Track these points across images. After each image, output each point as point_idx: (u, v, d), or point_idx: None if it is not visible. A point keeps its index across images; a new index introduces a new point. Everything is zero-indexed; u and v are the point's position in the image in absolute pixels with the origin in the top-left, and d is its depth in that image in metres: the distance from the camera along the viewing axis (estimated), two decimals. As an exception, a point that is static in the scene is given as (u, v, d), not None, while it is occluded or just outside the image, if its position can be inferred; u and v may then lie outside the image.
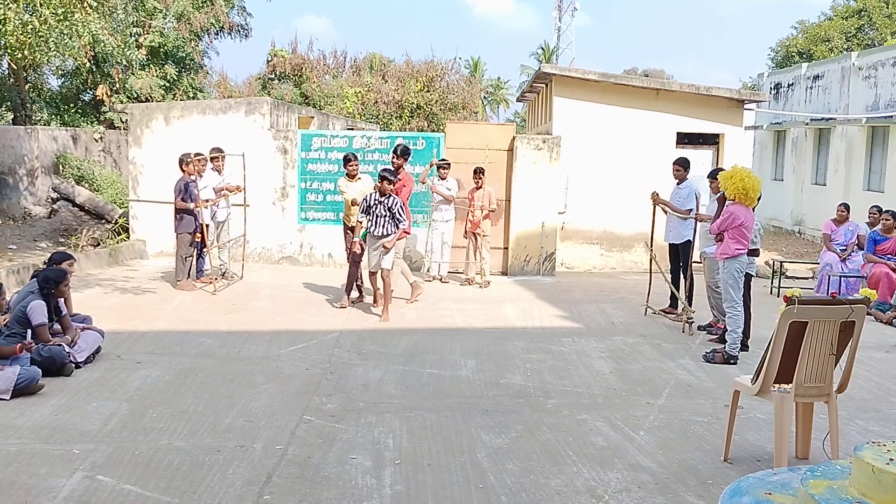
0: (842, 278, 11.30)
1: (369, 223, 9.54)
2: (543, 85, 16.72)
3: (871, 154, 18.48)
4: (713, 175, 9.21)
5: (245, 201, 11.68)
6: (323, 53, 30.29)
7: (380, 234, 9.51)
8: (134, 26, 20.60)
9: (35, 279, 7.10)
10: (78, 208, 16.69)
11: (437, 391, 6.81)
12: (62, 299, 7.23)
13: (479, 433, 5.79)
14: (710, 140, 14.16)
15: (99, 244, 14.18)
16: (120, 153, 20.16)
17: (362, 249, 9.69)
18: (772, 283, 12.56)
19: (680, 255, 10.13)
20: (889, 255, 11.04)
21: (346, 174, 10.54)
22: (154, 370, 7.09)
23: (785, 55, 37.03)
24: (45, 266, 7.56)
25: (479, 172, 11.84)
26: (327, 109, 25.71)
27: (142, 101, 19.44)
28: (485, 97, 47.06)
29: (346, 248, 10.34)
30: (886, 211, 11.35)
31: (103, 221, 16.20)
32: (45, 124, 21.04)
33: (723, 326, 8.39)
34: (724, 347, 7.96)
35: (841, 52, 30.83)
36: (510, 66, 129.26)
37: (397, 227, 9.54)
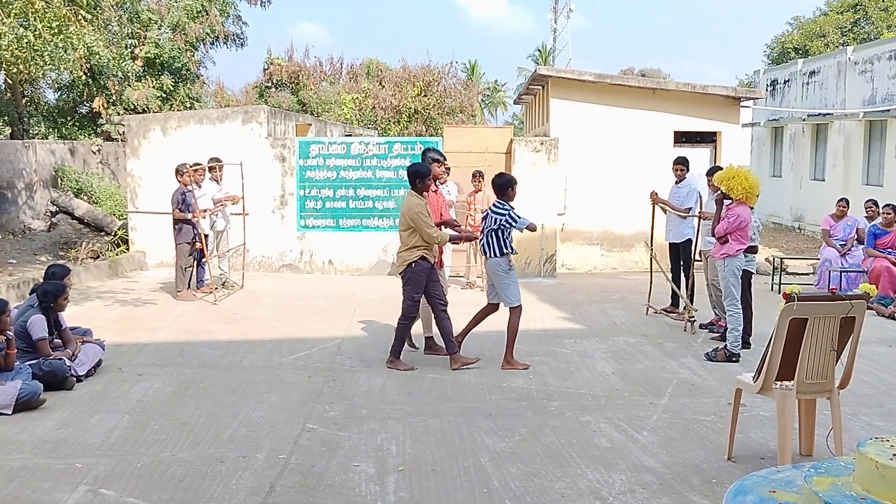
0: (842, 273, 11.29)
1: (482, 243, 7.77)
2: (540, 87, 16.73)
3: (868, 148, 18.47)
4: (712, 173, 9.20)
5: (244, 210, 11.68)
6: (319, 60, 30.40)
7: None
8: (129, 38, 20.63)
9: (34, 293, 7.10)
10: (77, 221, 16.69)
11: (439, 396, 6.80)
12: (62, 313, 7.23)
13: (482, 437, 5.77)
14: (708, 138, 14.16)
15: (99, 256, 14.19)
16: (118, 165, 20.16)
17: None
18: (772, 279, 12.55)
19: (680, 253, 10.13)
20: (889, 250, 11.02)
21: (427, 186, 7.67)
22: (155, 382, 7.08)
23: (781, 51, 37.05)
24: (43, 280, 7.56)
25: (477, 176, 11.84)
26: (325, 116, 25.75)
27: (139, 113, 19.45)
28: (482, 100, 47.10)
29: (415, 293, 7.69)
30: (887, 205, 11.32)
31: (103, 234, 16.20)
32: (42, 138, 21.04)
33: (724, 324, 8.38)
34: (726, 345, 7.96)
35: (837, 47, 30.83)
36: (507, 69, 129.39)
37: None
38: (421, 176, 7.56)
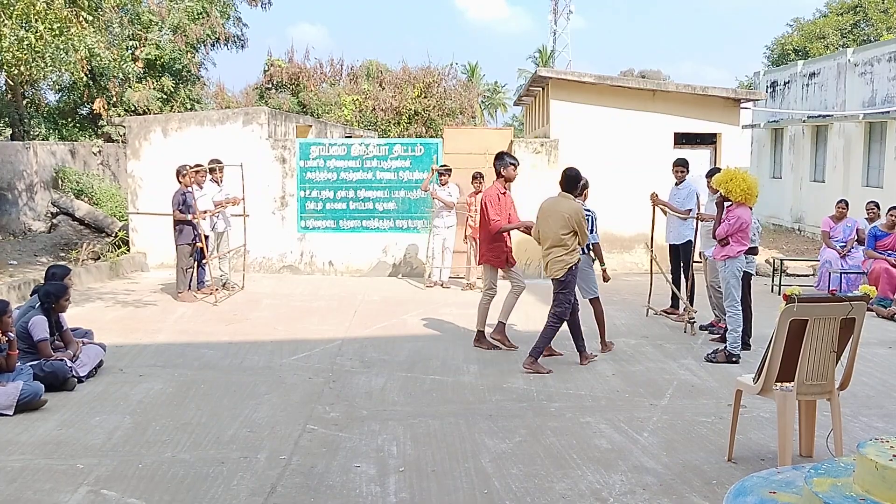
0: (842, 275, 11.29)
1: None
2: (540, 88, 16.73)
3: (868, 150, 18.48)
4: (711, 174, 9.21)
5: (244, 211, 11.69)
6: (320, 62, 30.39)
7: None
8: (130, 39, 20.63)
9: (35, 294, 7.11)
10: (78, 222, 16.70)
11: (440, 397, 6.81)
12: (63, 314, 7.24)
13: (482, 438, 5.78)
14: (708, 140, 14.16)
15: (99, 258, 14.19)
16: (118, 166, 20.19)
17: None
18: (773, 281, 12.56)
19: (681, 255, 10.14)
20: (890, 251, 11.03)
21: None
22: (156, 383, 7.09)
23: (781, 53, 37.08)
24: (44, 281, 7.57)
25: (478, 177, 11.85)
26: (325, 118, 25.75)
27: (139, 114, 19.46)
28: (482, 102, 47.12)
29: (572, 294, 7.80)
30: (893, 207, 11.31)
31: (103, 235, 16.21)
32: (43, 139, 21.07)
33: (724, 326, 8.39)
34: (726, 346, 7.96)
35: (837, 48, 30.85)
36: (507, 70, 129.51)
37: None
38: (577, 181, 7.81)
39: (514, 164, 8.45)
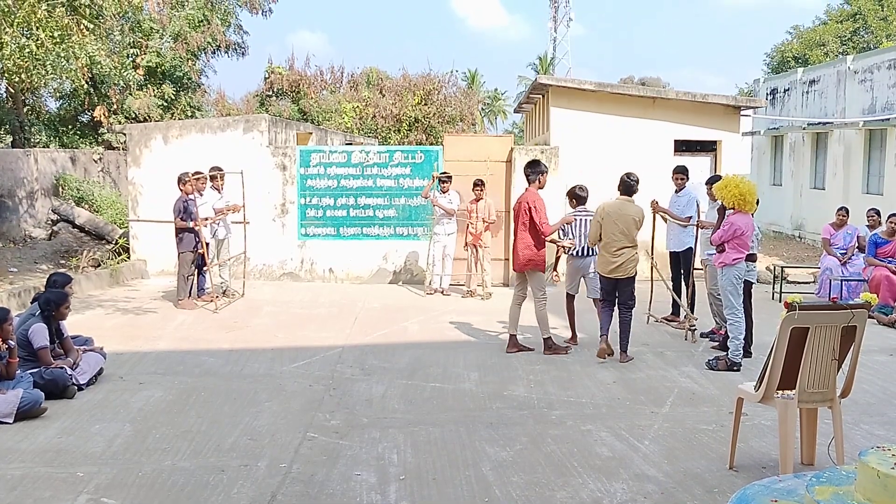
0: (843, 282, 11.29)
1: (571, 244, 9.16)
2: (540, 96, 16.77)
3: (868, 157, 18.50)
4: (711, 182, 9.22)
5: (245, 218, 11.69)
6: (320, 69, 30.47)
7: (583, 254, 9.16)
8: (131, 47, 20.71)
9: (36, 302, 7.11)
10: (78, 229, 16.70)
11: (440, 405, 6.80)
12: (63, 321, 7.23)
13: (483, 446, 5.77)
14: (708, 147, 14.17)
15: (100, 265, 14.19)
16: (119, 173, 20.21)
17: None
18: (773, 288, 12.55)
19: (681, 262, 10.13)
20: (890, 259, 11.03)
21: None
22: (157, 390, 7.08)
23: (780, 60, 37.19)
24: (44, 288, 7.56)
25: (479, 184, 11.86)
26: (325, 125, 25.79)
27: (140, 122, 19.50)
28: (482, 109, 47.17)
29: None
30: (893, 214, 11.31)
31: (104, 242, 16.21)
32: (43, 146, 21.10)
33: (725, 333, 8.38)
34: (727, 354, 7.96)
35: (836, 56, 30.92)
36: (507, 77, 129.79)
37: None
38: (637, 185, 8.55)
39: (546, 171, 8.96)
